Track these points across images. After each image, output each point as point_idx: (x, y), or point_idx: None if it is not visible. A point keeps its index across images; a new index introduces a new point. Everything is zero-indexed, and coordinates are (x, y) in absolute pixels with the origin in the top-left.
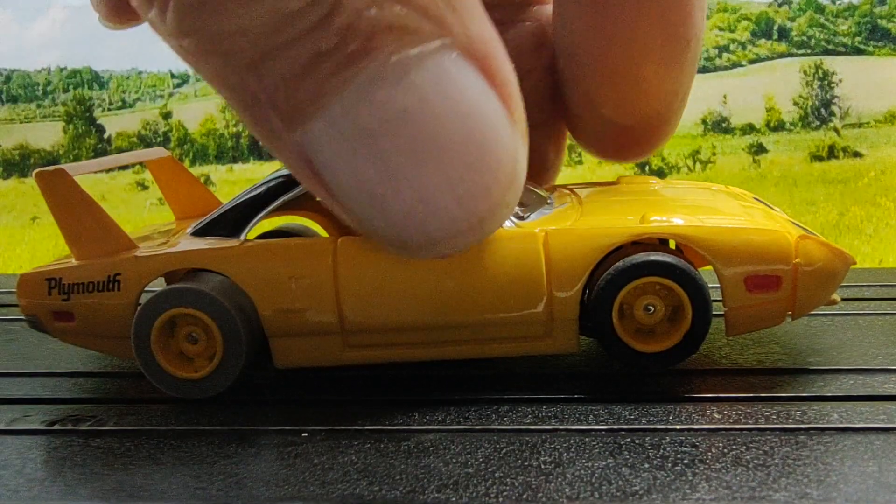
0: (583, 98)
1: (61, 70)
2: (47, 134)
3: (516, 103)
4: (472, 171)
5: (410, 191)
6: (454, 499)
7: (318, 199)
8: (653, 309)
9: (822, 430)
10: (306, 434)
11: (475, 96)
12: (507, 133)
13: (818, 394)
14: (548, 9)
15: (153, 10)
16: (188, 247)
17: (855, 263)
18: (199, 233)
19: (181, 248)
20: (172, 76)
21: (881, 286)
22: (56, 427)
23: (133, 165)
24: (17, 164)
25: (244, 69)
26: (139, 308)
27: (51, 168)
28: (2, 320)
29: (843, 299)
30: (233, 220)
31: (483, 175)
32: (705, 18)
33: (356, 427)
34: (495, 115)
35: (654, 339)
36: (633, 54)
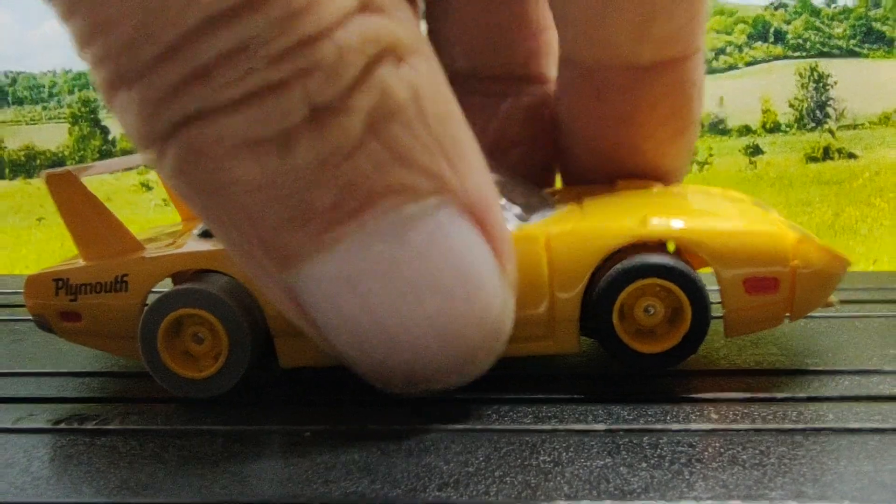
0: (581, 168)
1: (66, 72)
2: (53, 135)
3: (509, 258)
4: (460, 319)
5: (396, 335)
6: (455, 497)
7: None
8: (653, 310)
9: (818, 430)
10: (309, 433)
11: (469, 250)
12: (498, 286)
13: (814, 394)
14: (546, 88)
15: (151, 155)
16: (195, 248)
17: (850, 266)
18: (206, 234)
19: (188, 249)
20: None
21: (878, 289)
22: (61, 426)
23: (139, 166)
24: (23, 165)
25: (240, 214)
26: (146, 308)
27: (59, 170)
28: (8, 321)
29: (842, 301)
30: None
31: (470, 324)
32: (702, 100)
33: (358, 426)
34: (487, 268)
35: (654, 340)
36: (633, 136)
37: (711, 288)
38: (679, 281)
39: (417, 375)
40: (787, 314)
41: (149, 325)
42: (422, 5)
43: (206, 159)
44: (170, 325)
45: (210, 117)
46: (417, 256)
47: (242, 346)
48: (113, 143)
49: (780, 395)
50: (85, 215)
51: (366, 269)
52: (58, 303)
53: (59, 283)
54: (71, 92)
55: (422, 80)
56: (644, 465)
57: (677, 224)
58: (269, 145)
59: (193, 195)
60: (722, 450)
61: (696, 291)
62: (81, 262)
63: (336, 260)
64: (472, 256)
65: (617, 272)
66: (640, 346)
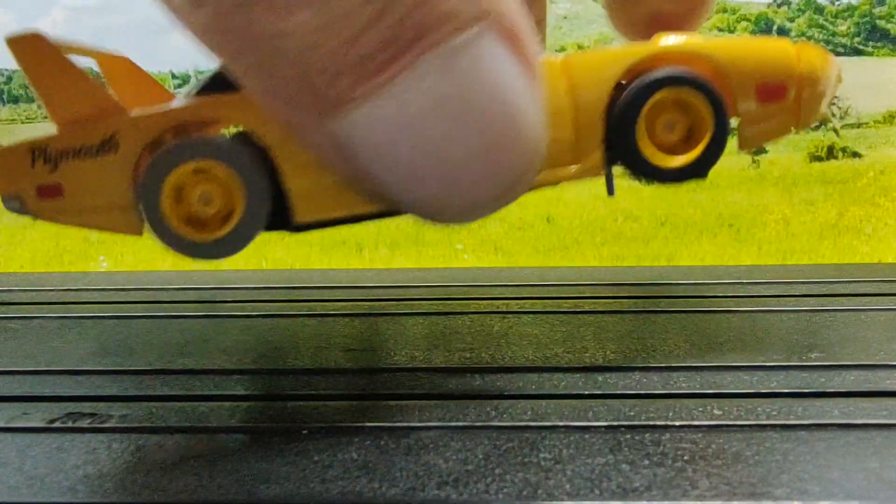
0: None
1: None
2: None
3: (541, 79)
4: (507, 143)
5: (449, 169)
6: (454, 496)
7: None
8: (673, 126)
9: (823, 426)
10: (306, 431)
11: (510, 75)
12: (535, 108)
13: (819, 390)
14: None
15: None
16: (194, 102)
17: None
18: (201, 92)
19: (185, 104)
20: (173, 76)
21: (883, 282)
22: (56, 425)
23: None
24: None
25: (284, 61)
26: (151, 160)
27: (25, 32)
28: (2, 318)
29: (848, 295)
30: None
31: (516, 147)
32: None
33: (356, 424)
34: (526, 91)
35: (674, 157)
36: None
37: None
38: (699, 88)
39: (467, 203)
40: (794, 126)
41: (153, 180)
42: None
43: (259, 6)
44: (178, 180)
45: None
46: (466, 88)
47: (261, 200)
48: None
49: (784, 391)
50: (58, 78)
51: (418, 108)
52: (35, 176)
53: (36, 152)
54: None
55: None
56: (646, 462)
57: (688, 39)
58: None
59: (234, 42)
60: (725, 446)
61: (715, 99)
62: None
63: (388, 102)
64: (512, 81)
65: (636, 86)
66: (663, 161)
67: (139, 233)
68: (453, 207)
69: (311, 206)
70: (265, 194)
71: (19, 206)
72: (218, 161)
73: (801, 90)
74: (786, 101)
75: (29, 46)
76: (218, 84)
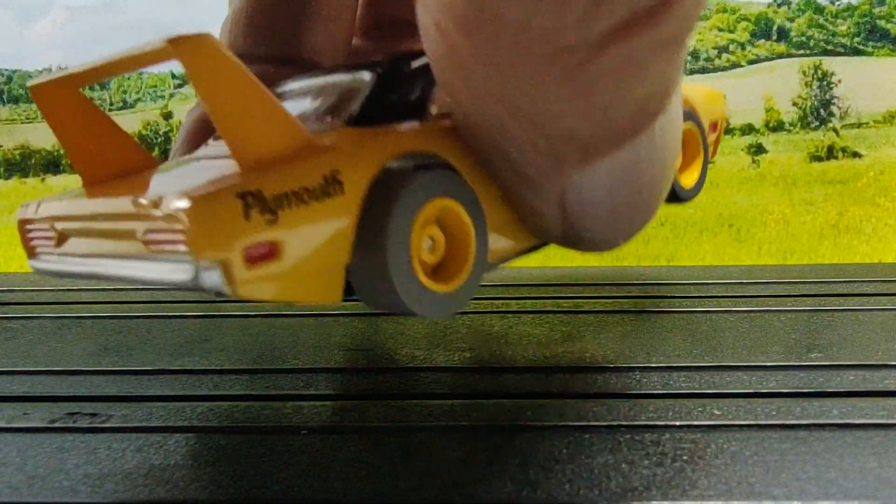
0: None
1: (62, 70)
2: (48, 134)
3: None
4: (665, 191)
5: (634, 216)
6: (454, 495)
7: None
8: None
9: (822, 426)
10: (306, 431)
11: (680, 128)
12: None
13: (818, 390)
14: None
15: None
16: (401, 128)
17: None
18: (359, 122)
19: (393, 130)
20: (173, 77)
21: (881, 282)
22: (56, 425)
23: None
24: (18, 164)
25: (527, 123)
26: (393, 203)
27: (196, 33)
28: (1, 318)
29: (847, 295)
30: (410, 100)
31: (666, 189)
32: None
33: (356, 424)
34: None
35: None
36: None
37: None
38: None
39: (626, 239)
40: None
41: (401, 221)
42: None
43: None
44: (424, 222)
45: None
46: (658, 152)
47: (484, 243)
48: None
49: (783, 391)
50: (244, 102)
51: (633, 162)
52: (248, 233)
53: (249, 199)
54: None
55: None
56: (646, 462)
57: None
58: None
59: (477, 107)
60: (724, 446)
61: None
62: (234, 168)
63: (609, 165)
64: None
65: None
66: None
67: (340, 299)
68: (617, 243)
69: (496, 251)
70: (486, 237)
71: (220, 278)
72: (455, 199)
73: (723, 124)
74: (717, 133)
75: (204, 51)
76: (375, 113)
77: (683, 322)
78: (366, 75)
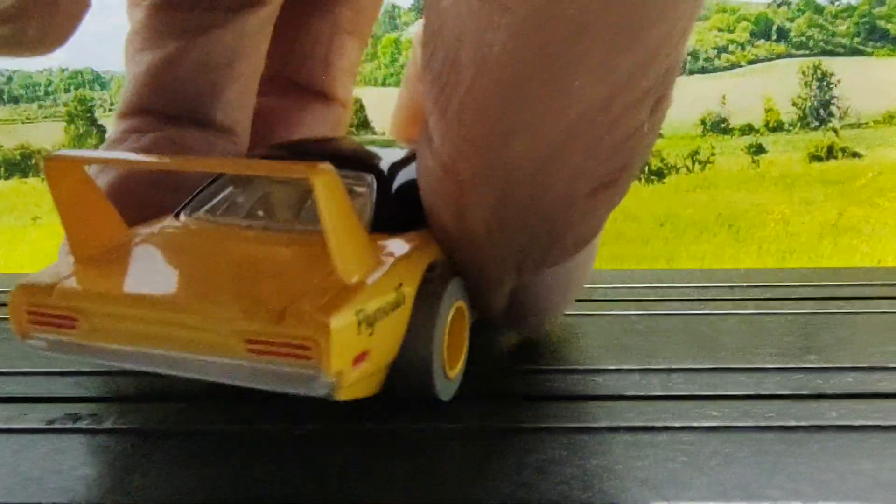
0: None
1: (63, 71)
2: (48, 134)
3: None
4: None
5: (573, 297)
6: (451, 496)
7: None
8: None
9: (819, 428)
10: (304, 433)
11: None
12: None
13: (815, 392)
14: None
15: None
16: (421, 237)
17: None
18: (378, 226)
19: (418, 238)
20: None
21: (878, 285)
22: (54, 426)
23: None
24: (19, 164)
25: (505, 247)
26: (437, 307)
27: (327, 166)
28: (0, 319)
29: (844, 298)
30: (401, 213)
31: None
32: None
33: (354, 426)
34: None
35: None
36: None
37: None
38: None
39: (557, 317)
40: None
41: (442, 321)
42: None
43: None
44: (450, 321)
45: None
46: (593, 249)
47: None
48: None
49: (780, 393)
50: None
51: (566, 271)
52: (359, 345)
53: (360, 314)
54: (67, 90)
55: None
56: (643, 463)
57: None
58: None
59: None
60: (722, 448)
61: None
62: (296, 276)
63: (557, 269)
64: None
65: None
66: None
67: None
68: (545, 323)
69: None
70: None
71: (333, 387)
72: (464, 300)
73: None
74: None
75: (331, 180)
76: (386, 219)
77: (682, 324)
78: (368, 178)
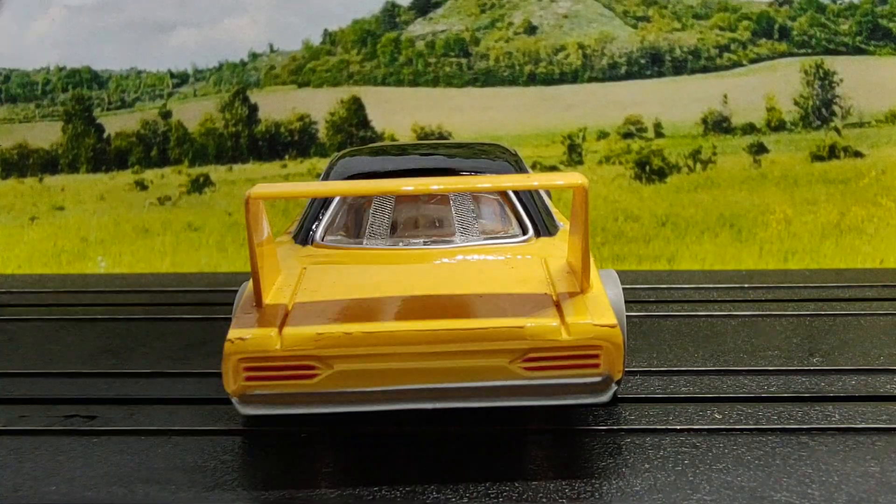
0: None
1: (60, 69)
2: (46, 133)
3: None
4: None
5: None
6: (454, 499)
7: None
8: None
9: (824, 430)
10: (305, 435)
11: None
12: None
13: (820, 394)
14: None
15: None
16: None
17: None
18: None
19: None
20: (172, 76)
21: (883, 286)
22: (55, 427)
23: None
24: (16, 163)
25: None
26: None
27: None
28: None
29: (847, 299)
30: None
31: None
32: None
33: (355, 428)
34: None
35: None
36: None
37: None
38: None
39: None
40: None
41: None
42: None
43: None
44: None
45: None
46: None
47: None
48: (108, 141)
49: (784, 395)
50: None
51: None
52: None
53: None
54: (65, 89)
55: None
56: (647, 466)
57: None
58: None
59: None
60: (726, 450)
61: None
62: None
63: None
64: None
65: None
66: None
67: None
68: None
69: None
70: None
71: (616, 390)
72: None
73: None
74: None
75: (585, 191)
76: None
77: (683, 325)
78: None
